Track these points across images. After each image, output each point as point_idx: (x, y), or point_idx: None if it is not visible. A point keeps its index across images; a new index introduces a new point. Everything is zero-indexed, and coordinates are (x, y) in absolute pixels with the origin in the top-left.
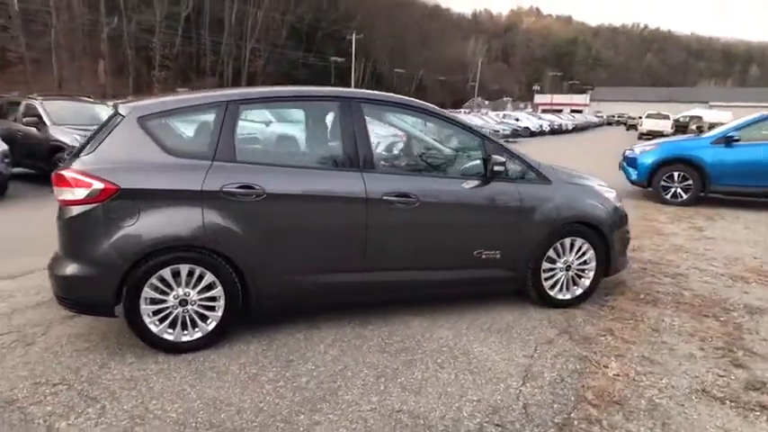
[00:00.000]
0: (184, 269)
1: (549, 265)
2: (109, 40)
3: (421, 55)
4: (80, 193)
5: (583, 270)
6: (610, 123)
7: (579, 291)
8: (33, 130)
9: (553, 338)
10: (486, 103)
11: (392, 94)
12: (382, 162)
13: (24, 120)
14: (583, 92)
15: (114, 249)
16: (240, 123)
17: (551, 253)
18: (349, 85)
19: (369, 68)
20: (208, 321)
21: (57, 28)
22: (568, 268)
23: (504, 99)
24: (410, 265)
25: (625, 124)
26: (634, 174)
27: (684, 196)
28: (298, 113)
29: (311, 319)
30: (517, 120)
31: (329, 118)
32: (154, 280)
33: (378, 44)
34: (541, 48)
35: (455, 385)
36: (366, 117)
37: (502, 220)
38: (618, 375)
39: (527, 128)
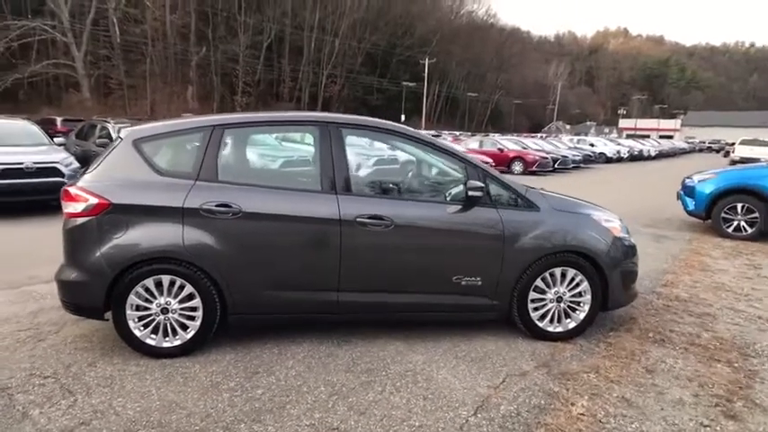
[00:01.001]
0: (166, 280)
1: (538, 296)
2: (197, 67)
3: (498, 78)
4: (78, 207)
5: (577, 302)
6: (702, 150)
7: (572, 324)
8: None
9: (528, 371)
10: (567, 127)
11: (372, 119)
12: (360, 185)
13: (97, 141)
14: (673, 116)
15: (104, 258)
16: (246, 147)
17: (539, 283)
18: (421, 110)
19: (443, 93)
20: (187, 330)
21: (152, 57)
22: (560, 300)
23: (588, 123)
24: (385, 287)
25: (718, 151)
26: (691, 204)
27: (749, 230)
28: (293, 137)
29: (291, 335)
30: (592, 145)
31: (310, 141)
32: (138, 288)
33: (453, 68)
34: (629, 70)
35: (403, 409)
36: (345, 141)
37: (483, 247)
38: (582, 415)
39: (602, 153)
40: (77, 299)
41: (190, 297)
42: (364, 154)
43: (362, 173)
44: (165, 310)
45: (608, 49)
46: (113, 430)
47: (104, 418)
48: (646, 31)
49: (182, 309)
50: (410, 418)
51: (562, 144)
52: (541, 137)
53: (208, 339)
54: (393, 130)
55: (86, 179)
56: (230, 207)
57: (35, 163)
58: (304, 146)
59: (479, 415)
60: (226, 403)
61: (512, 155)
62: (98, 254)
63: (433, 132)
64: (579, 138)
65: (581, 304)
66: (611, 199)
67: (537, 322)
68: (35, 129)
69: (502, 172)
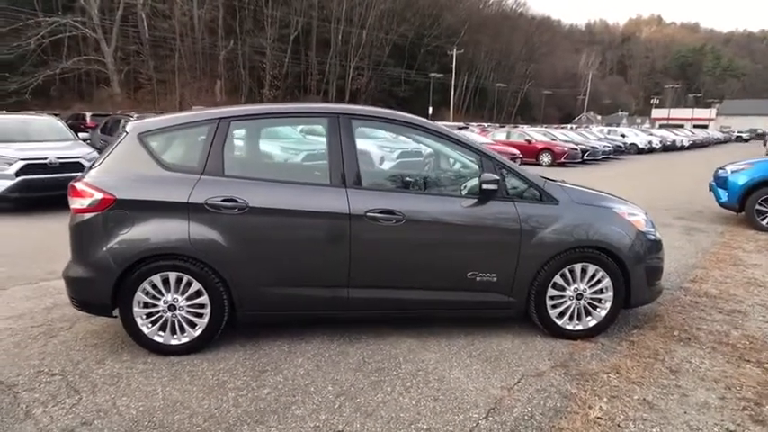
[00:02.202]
0: (173, 276)
1: (557, 292)
2: (225, 61)
3: (527, 69)
4: (84, 203)
5: (598, 299)
6: (738, 139)
7: (593, 322)
8: None
9: (545, 371)
10: (598, 118)
11: (383, 110)
12: (372, 178)
13: None
14: (708, 106)
15: (110, 255)
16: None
17: (558, 279)
18: (449, 102)
19: (471, 84)
20: (195, 327)
21: (180, 51)
22: (580, 297)
23: (620, 114)
24: (396, 283)
25: (747, 140)
26: (724, 196)
27: None
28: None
29: (302, 332)
30: (623, 136)
31: (320, 133)
32: (146, 285)
33: (482, 59)
34: (663, 59)
35: (412, 411)
36: (355, 133)
37: (498, 242)
38: (600, 419)
39: (633, 144)
40: (85, 296)
41: (197, 294)
42: (388, 147)
43: (376, 166)
44: (172, 307)
45: (640, 38)
46: (115, 430)
47: (107, 417)
48: (680, 18)
49: (189, 306)
50: (419, 421)
51: (592, 135)
52: (571, 128)
53: (216, 337)
54: (404, 121)
55: (92, 174)
56: (236, 202)
57: (58, 158)
58: (313, 138)
59: (491, 418)
60: (230, 403)
61: (540, 146)
62: (104, 250)
63: (460, 124)
64: (610, 128)
65: (602, 301)
66: (641, 190)
67: (555, 320)
68: (60, 124)
69: (530, 164)
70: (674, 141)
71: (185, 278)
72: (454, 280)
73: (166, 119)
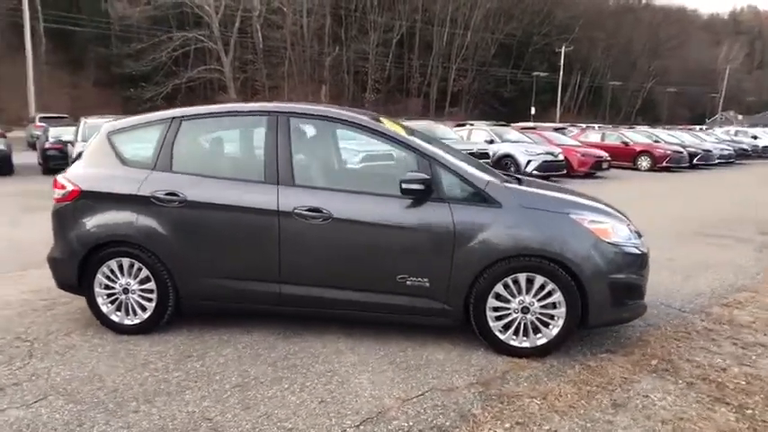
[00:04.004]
0: (126, 262)
1: (500, 304)
2: (330, 67)
3: (651, 65)
4: (60, 193)
5: (551, 316)
6: None
7: (543, 340)
8: None
9: (459, 387)
10: (739, 117)
11: (321, 107)
12: (307, 176)
13: None
14: None
15: (76, 239)
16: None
17: (500, 289)
18: (555, 102)
19: (585, 82)
20: (145, 311)
21: (290, 59)
22: (526, 310)
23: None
24: (326, 282)
25: None
26: None
27: None
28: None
29: (248, 324)
30: (755, 138)
31: (258, 132)
32: (104, 268)
33: (598, 55)
34: None
35: (290, 410)
36: (291, 131)
37: (429, 245)
38: None
39: (767, 147)
40: (59, 275)
41: (147, 280)
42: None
43: (317, 164)
44: (126, 291)
45: None
46: (32, 392)
47: (35, 381)
48: None
49: (140, 290)
50: (288, 419)
51: (711, 137)
52: (701, 129)
53: (164, 321)
54: (336, 118)
55: (70, 169)
56: (177, 196)
57: None
58: (252, 136)
59: (362, 427)
60: (139, 381)
61: (638, 149)
62: (72, 235)
63: (559, 125)
64: (739, 129)
65: (554, 318)
66: (734, 201)
67: (498, 333)
68: None
69: (625, 168)
70: None
71: (136, 264)
72: (383, 282)
73: (131, 119)
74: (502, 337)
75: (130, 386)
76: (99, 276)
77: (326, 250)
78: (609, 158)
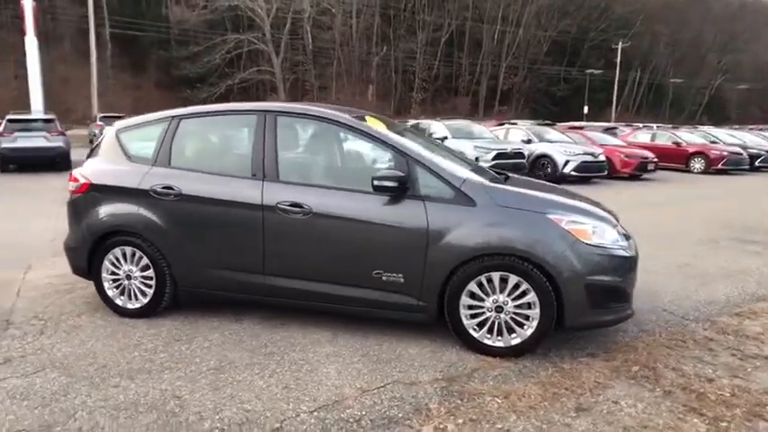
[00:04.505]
0: (128, 250)
1: (473, 302)
2: (377, 66)
3: (721, 60)
4: (74, 186)
5: (526, 316)
6: None
7: (517, 340)
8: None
9: (421, 382)
10: None
11: (306, 106)
12: (292, 172)
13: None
14: None
15: (86, 228)
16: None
17: (474, 287)
18: (611, 101)
19: (644, 79)
20: (146, 296)
21: (339, 59)
22: (500, 309)
23: None
24: (308, 275)
25: None
26: None
27: None
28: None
29: (240, 312)
30: None
31: (249, 130)
32: (110, 255)
33: (660, 51)
34: None
35: (253, 393)
36: (278, 128)
37: (404, 242)
38: None
39: None
40: (72, 261)
41: (147, 267)
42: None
43: (302, 161)
44: (128, 277)
45: None
46: (33, 364)
47: (38, 355)
48: None
49: (141, 277)
50: (249, 402)
51: (754, 136)
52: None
53: (162, 306)
54: (319, 116)
55: (84, 164)
56: (173, 189)
57: None
58: (243, 133)
59: (316, 413)
60: (127, 360)
61: (691, 150)
62: (83, 225)
63: (610, 125)
64: None
65: (529, 318)
66: None
67: (471, 331)
68: None
69: (676, 170)
70: None
71: (137, 253)
72: (359, 277)
73: (137, 118)
74: (475, 335)
75: (118, 363)
76: (105, 263)
77: (307, 244)
78: (655, 160)
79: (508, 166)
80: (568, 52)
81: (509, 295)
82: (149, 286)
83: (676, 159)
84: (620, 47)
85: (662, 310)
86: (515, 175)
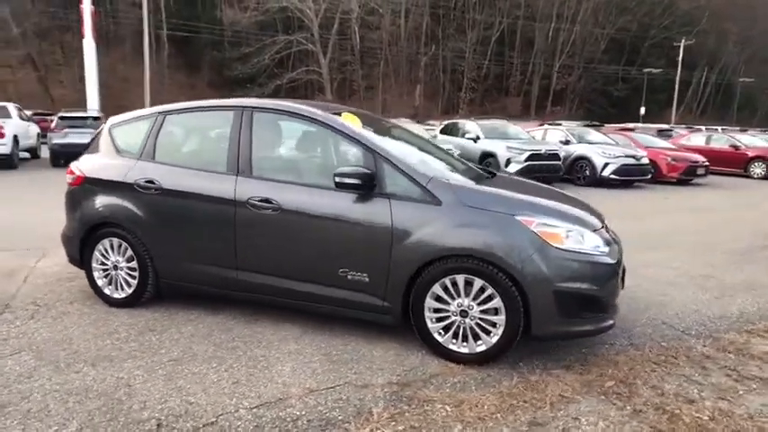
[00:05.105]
0: (116, 242)
1: (439, 305)
2: (425, 66)
3: None
4: (70, 179)
5: (492, 322)
6: None
7: (482, 347)
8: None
9: (373, 385)
10: None
11: (283, 102)
12: (266, 168)
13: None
14: None
15: (79, 219)
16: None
17: (438, 290)
18: (681, 100)
19: (711, 79)
20: (130, 287)
21: (386, 59)
22: (465, 314)
23: None
24: (277, 271)
25: None
26: None
27: None
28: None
29: (218, 307)
30: None
31: (228, 125)
32: (100, 246)
33: (729, 49)
34: None
35: (201, 386)
36: (253, 124)
37: (369, 241)
38: None
39: None
40: (68, 250)
41: (132, 258)
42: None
43: (275, 157)
44: (115, 267)
45: None
46: (12, 347)
47: (20, 338)
48: None
49: (127, 267)
50: (195, 394)
51: None
52: None
53: (145, 297)
54: (291, 112)
55: (81, 158)
56: (154, 183)
57: None
58: (222, 129)
59: (255, 410)
60: (98, 347)
61: (751, 154)
62: (77, 216)
63: (664, 127)
64: None
65: (496, 325)
66: None
67: (436, 335)
68: None
69: (733, 175)
70: None
71: (123, 244)
72: (326, 275)
73: (129, 114)
74: (440, 339)
75: (89, 350)
76: (96, 253)
77: (276, 240)
78: (706, 164)
79: (542, 168)
80: (627, 50)
81: (474, 299)
82: (134, 277)
83: (734, 164)
84: (682, 44)
85: (661, 323)
86: (503, 174)
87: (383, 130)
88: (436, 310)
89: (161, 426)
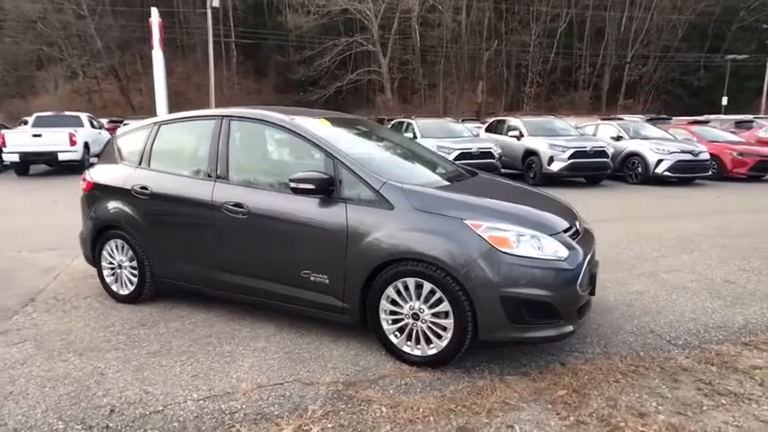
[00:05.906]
0: (120, 243)
1: (393, 307)
2: (487, 62)
3: None
4: (83, 185)
5: (443, 326)
6: None
7: (433, 350)
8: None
9: (321, 383)
10: None
11: (259, 110)
12: (238, 172)
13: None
14: None
15: (91, 222)
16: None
17: (391, 292)
18: (761, 90)
19: None
20: (132, 284)
21: (447, 56)
22: (416, 317)
23: None
24: (250, 272)
25: None
26: None
27: None
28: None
29: (210, 305)
30: None
31: (209, 133)
32: (107, 247)
33: None
34: None
35: (162, 377)
36: (231, 132)
37: (327, 244)
38: None
39: None
40: (84, 250)
41: (132, 258)
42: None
43: (250, 162)
44: (120, 266)
45: None
46: (21, 336)
47: (30, 329)
48: None
49: (129, 266)
50: (154, 385)
51: None
52: None
53: (143, 295)
54: (262, 119)
55: (94, 165)
56: (147, 189)
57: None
58: (206, 137)
59: (201, 402)
60: (90, 338)
61: None
62: (89, 218)
63: (744, 117)
64: None
65: (446, 329)
66: None
67: (391, 337)
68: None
69: None
70: None
71: (125, 246)
72: (291, 276)
73: (132, 125)
74: (395, 341)
75: (83, 341)
76: (104, 253)
77: (248, 242)
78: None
79: (588, 166)
80: (710, 36)
81: (425, 303)
82: (135, 276)
83: None
84: None
85: (649, 332)
86: (484, 174)
87: (355, 135)
88: (392, 312)
89: (113, 411)
